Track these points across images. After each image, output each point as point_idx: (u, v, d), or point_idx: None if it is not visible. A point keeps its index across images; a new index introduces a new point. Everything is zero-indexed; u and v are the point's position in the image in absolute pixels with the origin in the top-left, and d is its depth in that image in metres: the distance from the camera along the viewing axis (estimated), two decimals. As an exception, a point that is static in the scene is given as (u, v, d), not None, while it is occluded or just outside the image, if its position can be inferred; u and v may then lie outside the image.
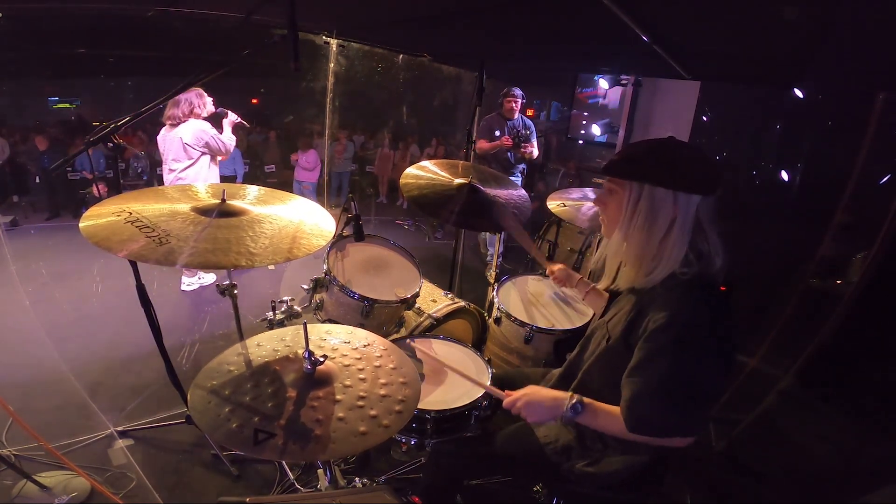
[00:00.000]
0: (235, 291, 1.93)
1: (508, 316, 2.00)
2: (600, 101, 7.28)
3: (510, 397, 1.31)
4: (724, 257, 1.14)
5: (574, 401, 1.20)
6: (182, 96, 3.34)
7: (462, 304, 2.27)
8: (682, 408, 1.11)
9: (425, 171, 2.25)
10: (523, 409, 1.26)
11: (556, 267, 1.85)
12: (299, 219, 1.51)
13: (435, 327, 2.15)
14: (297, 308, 2.18)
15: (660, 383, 1.09)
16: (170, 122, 3.41)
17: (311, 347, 1.19)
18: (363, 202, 8.14)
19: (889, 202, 2.44)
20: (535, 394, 1.27)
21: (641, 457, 1.28)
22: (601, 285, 1.43)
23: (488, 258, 4.79)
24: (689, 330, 1.08)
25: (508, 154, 4.42)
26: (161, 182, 3.93)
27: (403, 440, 1.57)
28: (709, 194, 1.12)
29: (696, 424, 1.17)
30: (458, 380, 1.71)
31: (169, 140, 3.44)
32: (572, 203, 2.88)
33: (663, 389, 1.09)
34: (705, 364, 1.09)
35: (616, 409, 1.19)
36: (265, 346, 1.34)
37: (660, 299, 1.13)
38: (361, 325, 1.95)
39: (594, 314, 1.70)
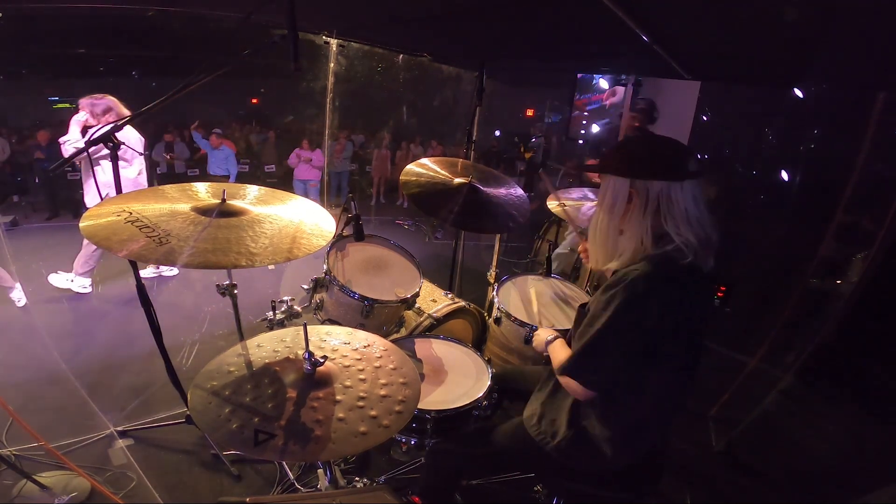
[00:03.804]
0: (235, 291, 1.92)
1: (508, 316, 2.00)
2: (602, 103, 7.31)
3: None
4: (713, 249, 1.21)
5: (547, 337, 1.52)
6: (111, 98, 3.41)
7: (462, 303, 2.27)
8: (594, 359, 1.22)
9: (425, 170, 2.25)
10: (534, 340, 1.58)
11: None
12: (299, 219, 1.51)
13: (435, 327, 2.15)
14: (297, 308, 2.18)
15: (593, 334, 1.20)
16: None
17: (311, 348, 1.19)
18: (362, 202, 8.15)
19: (889, 202, 2.44)
20: (543, 331, 1.60)
21: (613, 429, 1.29)
22: (591, 266, 1.53)
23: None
24: (641, 296, 1.14)
25: None
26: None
27: (403, 440, 1.57)
28: (664, 180, 1.18)
29: (599, 380, 1.25)
30: (458, 380, 1.71)
31: (135, 141, 3.50)
32: (572, 203, 2.88)
33: (593, 340, 1.20)
34: (635, 332, 1.16)
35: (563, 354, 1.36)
36: (265, 346, 1.34)
37: (633, 273, 1.19)
38: (361, 325, 1.95)
39: None
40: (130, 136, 3.47)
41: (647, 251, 1.20)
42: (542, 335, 1.57)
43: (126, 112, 3.45)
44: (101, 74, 8.13)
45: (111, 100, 3.44)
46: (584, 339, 1.22)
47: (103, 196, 3.52)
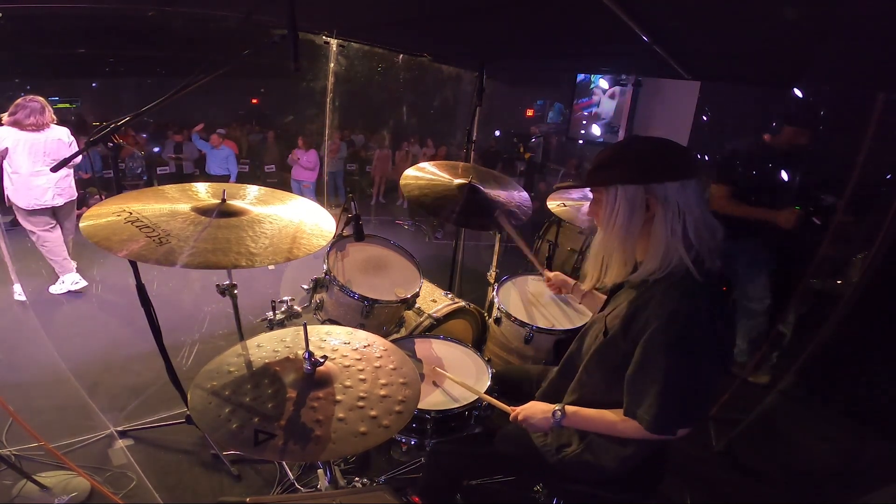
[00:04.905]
0: (235, 291, 1.93)
1: (508, 316, 2.00)
2: (594, 109, 7.38)
3: (514, 412, 1.40)
4: (718, 249, 1.14)
5: (556, 408, 1.29)
6: (38, 103, 3.33)
7: (462, 304, 2.27)
8: (688, 403, 1.13)
9: (425, 173, 2.25)
10: (523, 423, 1.37)
11: (552, 274, 1.89)
12: (299, 219, 1.51)
13: (435, 327, 2.15)
14: (297, 308, 2.18)
15: (668, 382, 1.09)
16: (37, 127, 3.32)
17: (311, 348, 1.19)
18: (362, 202, 8.15)
19: (889, 202, 2.44)
20: (531, 408, 1.36)
21: (629, 448, 1.28)
22: (584, 286, 1.48)
23: None
24: (690, 328, 1.08)
25: None
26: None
27: (403, 440, 1.57)
28: (679, 179, 1.12)
29: (699, 417, 1.19)
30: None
31: (45, 143, 3.37)
32: (572, 203, 2.88)
33: (673, 388, 1.10)
34: (706, 360, 1.11)
35: (600, 412, 1.24)
36: (265, 346, 1.34)
37: (659, 295, 1.13)
38: (361, 325, 1.95)
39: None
40: (20, 138, 3.29)
41: (672, 263, 1.12)
42: (538, 410, 1.33)
43: (23, 121, 3.31)
44: (101, 74, 8.13)
45: (32, 105, 3.30)
46: (655, 388, 1.10)
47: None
